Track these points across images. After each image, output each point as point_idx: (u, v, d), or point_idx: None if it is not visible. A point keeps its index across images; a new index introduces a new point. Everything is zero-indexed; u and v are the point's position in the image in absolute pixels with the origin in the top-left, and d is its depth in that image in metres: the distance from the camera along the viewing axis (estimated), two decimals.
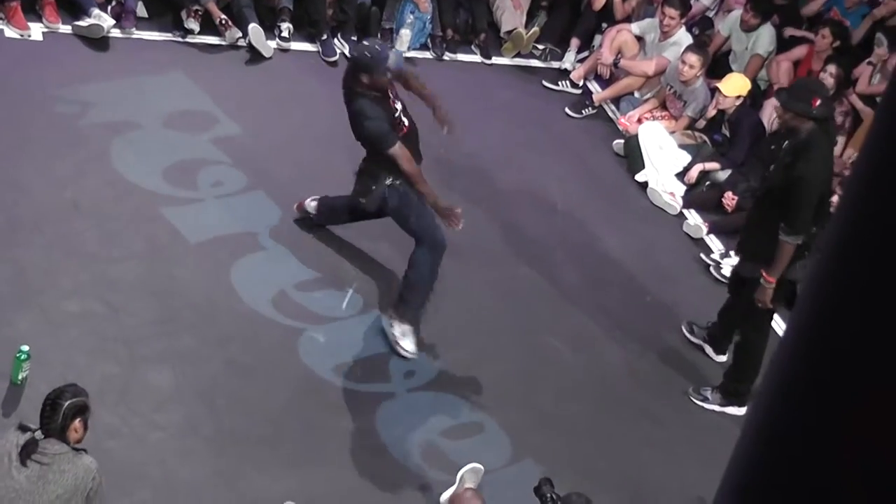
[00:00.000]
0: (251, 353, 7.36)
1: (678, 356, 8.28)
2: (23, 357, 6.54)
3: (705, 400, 7.92)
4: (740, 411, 7.80)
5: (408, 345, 7.63)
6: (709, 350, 8.36)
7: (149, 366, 7.04)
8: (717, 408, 7.87)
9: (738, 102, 9.87)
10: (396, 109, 7.46)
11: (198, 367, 7.14)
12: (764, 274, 7.24)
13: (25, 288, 7.31)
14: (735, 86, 9.88)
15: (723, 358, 8.27)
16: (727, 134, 10.10)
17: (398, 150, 7.33)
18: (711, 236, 9.52)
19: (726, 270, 9.01)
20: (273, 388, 7.18)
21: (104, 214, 8.06)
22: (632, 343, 8.27)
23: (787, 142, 7.47)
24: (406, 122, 7.53)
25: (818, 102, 7.10)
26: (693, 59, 10.12)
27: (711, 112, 10.18)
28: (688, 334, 8.44)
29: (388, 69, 7.36)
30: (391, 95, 7.47)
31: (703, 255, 9.27)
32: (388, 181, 7.48)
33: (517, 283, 8.55)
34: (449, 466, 6.82)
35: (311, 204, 8.27)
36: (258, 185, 8.55)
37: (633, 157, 10.07)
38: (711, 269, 9.15)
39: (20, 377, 6.56)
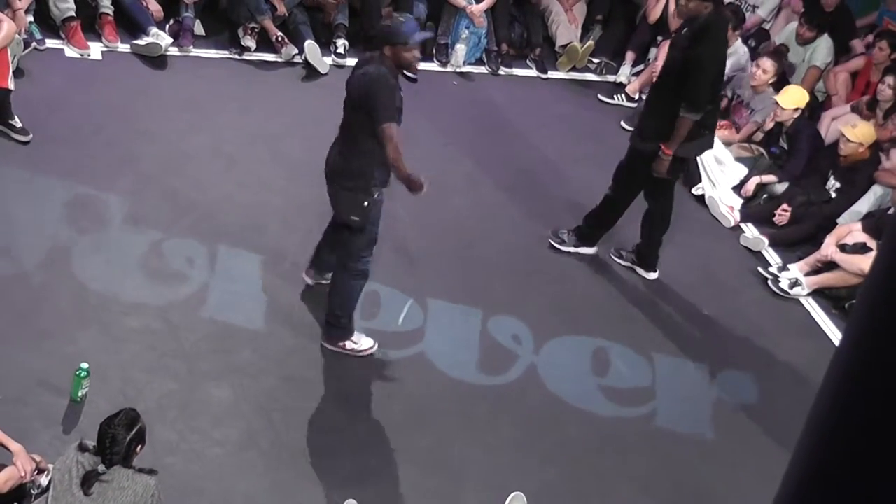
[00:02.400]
0: (308, 368, 7.37)
1: (733, 368, 8.21)
2: (83, 374, 6.57)
3: (562, 242, 8.78)
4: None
5: (366, 344, 7.52)
6: (640, 270, 8.81)
7: (207, 382, 7.06)
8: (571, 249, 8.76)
9: (796, 114, 9.79)
10: (401, 98, 6.94)
11: (256, 382, 7.15)
12: (663, 147, 7.88)
13: (85, 305, 7.36)
14: (793, 98, 9.80)
15: (654, 275, 8.77)
16: (784, 146, 10.02)
17: (395, 130, 6.71)
18: (770, 249, 9.46)
19: (784, 284, 8.97)
20: (330, 402, 7.19)
21: (164, 230, 8.12)
22: (689, 355, 8.21)
23: (685, 28, 7.84)
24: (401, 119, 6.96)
25: None
26: (768, 64, 10.09)
27: (769, 124, 10.11)
28: (617, 259, 8.87)
29: (417, 43, 6.90)
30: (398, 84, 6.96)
31: (760, 269, 9.20)
32: (377, 195, 7.01)
33: (575, 298, 8.53)
34: (500, 488, 6.79)
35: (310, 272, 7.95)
36: (315, 199, 8.55)
37: (689, 170, 10.01)
38: (769, 282, 9.07)
39: (80, 394, 6.59)
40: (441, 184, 8.77)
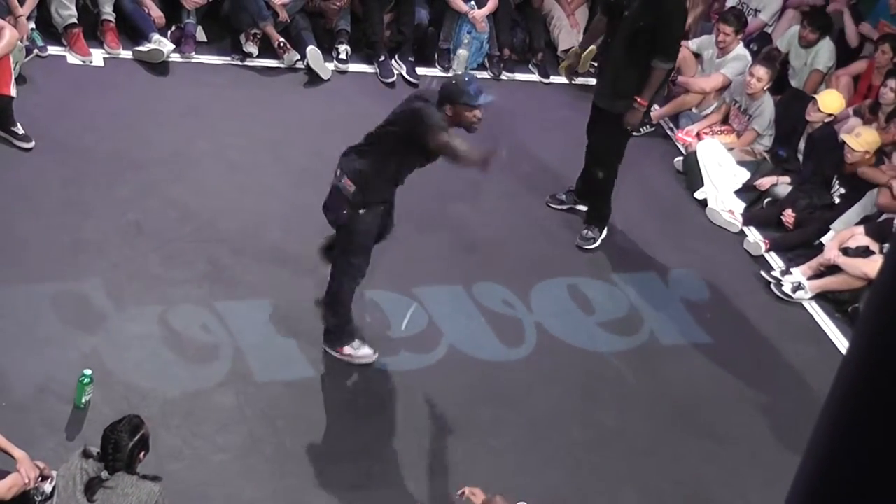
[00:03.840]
0: (311, 374, 7.37)
1: (736, 372, 8.21)
2: (86, 381, 6.57)
3: (592, 240, 8.96)
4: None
5: (365, 352, 7.50)
6: (581, 207, 9.17)
7: (211, 388, 7.07)
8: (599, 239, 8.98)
9: (827, 119, 9.81)
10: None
11: (259, 388, 7.16)
12: (638, 99, 8.26)
13: (88, 312, 7.36)
14: (833, 103, 9.83)
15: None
16: (800, 149, 10.05)
17: (446, 136, 6.53)
18: (772, 253, 9.46)
19: (787, 287, 8.97)
20: (334, 408, 7.19)
21: (166, 237, 8.12)
22: (690, 359, 8.22)
23: None
24: None
25: None
26: (761, 72, 10.09)
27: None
28: (556, 206, 9.24)
29: (480, 105, 6.69)
30: None
31: (763, 273, 9.20)
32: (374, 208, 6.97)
33: (576, 303, 8.53)
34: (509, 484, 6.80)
35: None
36: (317, 205, 8.53)
37: (691, 175, 10.02)
38: (772, 286, 9.07)
39: (83, 401, 6.58)
40: (441, 190, 8.82)
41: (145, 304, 7.52)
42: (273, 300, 7.78)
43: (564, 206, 9.29)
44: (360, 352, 7.50)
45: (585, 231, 9.00)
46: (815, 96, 9.90)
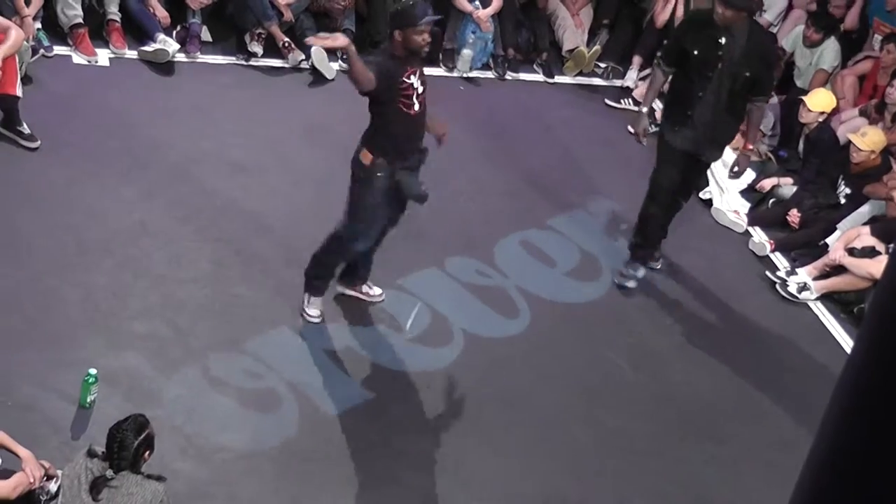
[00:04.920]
0: (312, 374, 7.39)
1: (740, 373, 8.20)
2: (91, 380, 6.59)
3: (633, 279, 8.73)
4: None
5: (313, 311, 7.69)
6: (652, 265, 8.93)
7: (214, 387, 7.08)
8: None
9: (820, 118, 9.79)
10: (410, 82, 7.01)
11: (261, 387, 7.17)
12: (749, 147, 8.47)
13: (94, 310, 7.39)
14: (821, 102, 9.81)
15: (659, 264, 8.94)
16: (799, 150, 10.01)
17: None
18: (777, 253, 9.45)
19: (792, 288, 8.97)
20: (335, 407, 7.20)
21: (171, 236, 8.14)
22: (694, 360, 8.22)
23: (724, 37, 7.90)
24: (416, 105, 7.10)
25: None
26: None
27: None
28: (628, 283, 8.75)
29: (423, 25, 6.93)
30: (413, 68, 7.07)
31: (768, 273, 9.19)
32: (386, 172, 7.18)
33: (579, 304, 8.52)
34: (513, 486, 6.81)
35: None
36: (321, 204, 8.54)
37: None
38: (777, 286, 9.06)
39: (88, 400, 6.61)
40: (448, 187, 8.83)
41: (149, 303, 7.53)
42: (274, 297, 7.79)
43: (640, 275, 8.83)
44: (310, 308, 7.69)
45: (630, 269, 8.78)
46: (803, 98, 9.87)
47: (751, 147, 8.44)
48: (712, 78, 7.96)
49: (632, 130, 10.53)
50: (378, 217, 7.37)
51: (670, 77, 8.39)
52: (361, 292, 7.99)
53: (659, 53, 8.88)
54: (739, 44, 7.89)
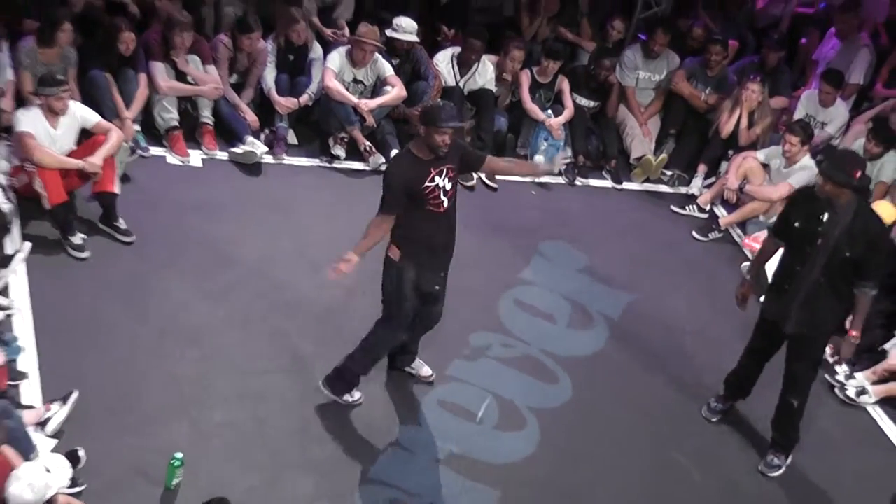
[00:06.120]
0: (389, 464, 7.41)
1: (807, 475, 8.15)
2: (176, 464, 6.68)
3: (778, 468, 8.08)
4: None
5: (351, 399, 7.74)
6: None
7: (291, 473, 7.13)
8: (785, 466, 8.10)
9: None
10: (435, 184, 7.06)
11: (337, 472, 7.21)
12: (854, 333, 7.67)
13: (179, 398, 7.50)
14: (883, 213, 9.76)
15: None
16: None
17: (378, 219, 7.19)
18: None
19: (851, 392, 8.93)
20: (409, 486, 7.23)
21: (251, 330, 8.27)
22: (756, 462, 8.15)
23: (827, 212, 7.41)
24: (445, 202, 7.16)
25: (858, 174, 7.36)
26: (794, 139, 10.36)
27: None
28: (713, 417, 8.44)
29: (449, 127, 6.97)
30: (438, 167, 7.07)
31: (827, 376, 9.12)
32: (408, 271, 7.34)
33: (647, 399, 8.52)
34: None
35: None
36: None
37: (758, 280, 10.00)
38: (836, 389, 9.02)
39: (173, 483, 6.70)
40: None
41: (230, 393, 7.64)
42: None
43: (725, 408, 8.49)
44: (347, 398, 7.74)
45: (771, 458, 8.12)
46: None
47: (854, 334, 7.68)
48: (811, 253, 7.50)
49: (697, 236, 10.69)
50: (408, 308, 7.45)
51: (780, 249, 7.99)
52: (413, 368, 8.10)
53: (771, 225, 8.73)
54: (843, 221, 7.35)
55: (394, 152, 10.36)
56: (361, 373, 7.67)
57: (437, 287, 7.44)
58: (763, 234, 10.53)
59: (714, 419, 8.40)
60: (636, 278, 9.96)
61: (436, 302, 7.63)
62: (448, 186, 7.13)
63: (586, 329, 9.16)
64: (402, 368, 8.10)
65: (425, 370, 8.10)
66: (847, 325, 7.76)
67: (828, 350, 8.30)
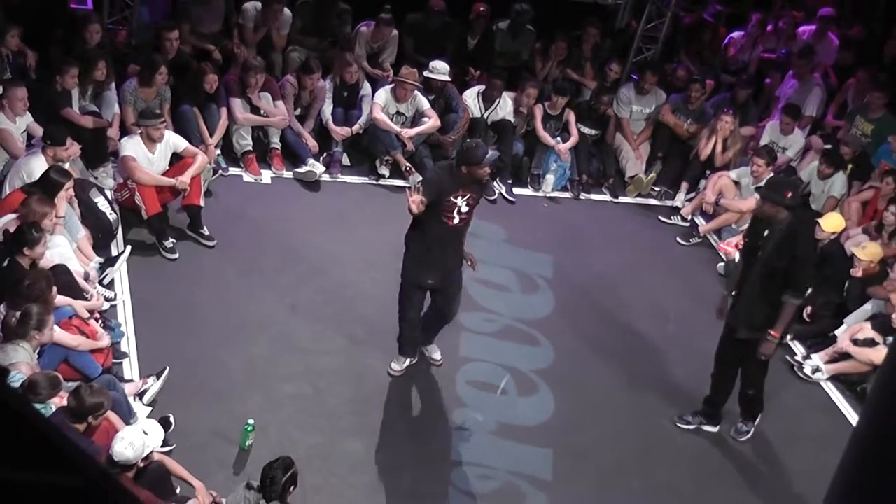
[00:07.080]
0: (429, 423, 7.44)
1: (767, 441, 8.05)
2: (249, 429, 6.68)
3: (746, 433, 7.96)
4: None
5: (395, 366, 7.74)
6: (706, 427, 7.99)
7: (345, 436, 7.12)
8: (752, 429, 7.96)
9: (832, 236, 9.64)
10: (456, 202, 7.02)
11: (384, 437, 7.19)
12: (772, 333, 7.27)
13: (253, 374, 7.50)
14: (832, 223, 9.67)
15: (716, 428, 7.99)
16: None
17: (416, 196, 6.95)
18: (795, 342, 9.28)
19: (807, 370, 8.84)
20: (446, 451, 7.20)
21: (315, 317, 8.24)
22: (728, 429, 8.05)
23: (767, 230, 7.22)
24: (457, 218, 7.10)
25: (790, 195, 7.18)
26: (760, 161, 10.32)
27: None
28: (683, 425, 7.99)
29: (485, 164, 7.04)
30: (466, 191, 7.05)
31: (787, 357, 9.01)
32: (414, 276, 7.43)
33: (636, 378, 8.43)
34: None
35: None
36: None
37: (731, 277, 9.87)
38: (795, 368, 8.92)
39: (247, 444, 6.70)
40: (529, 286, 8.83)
41: (296, 369, 7.63)
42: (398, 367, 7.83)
43: (692, 427, 7.98)
44: (393, 365, 7.72)
45: (740, 425, 7.97)
46: (818, 220, 9.73)
47: (773, 334, 7.29)
48: (753, 265, 7.33)
49: (681, 241, 10.59)
50: (410, 292, 7.44)
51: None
52: (427, 350, 7.96)
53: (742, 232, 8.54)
54: (777, 237, 7.15)
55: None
56: (398, 337, 7.67)
57: (430, 282, 7.37)
58: (735, 239, 10.44)
59: (686, 427, 8.00)
60: (630, 274, 9.86)
61: (448, 301, 7.56)
62: (464, 209, 7.10)
63: (579, 309, 9.12)
64: (421, 349, 7.98)
65: (437, 354, 7.99)
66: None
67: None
